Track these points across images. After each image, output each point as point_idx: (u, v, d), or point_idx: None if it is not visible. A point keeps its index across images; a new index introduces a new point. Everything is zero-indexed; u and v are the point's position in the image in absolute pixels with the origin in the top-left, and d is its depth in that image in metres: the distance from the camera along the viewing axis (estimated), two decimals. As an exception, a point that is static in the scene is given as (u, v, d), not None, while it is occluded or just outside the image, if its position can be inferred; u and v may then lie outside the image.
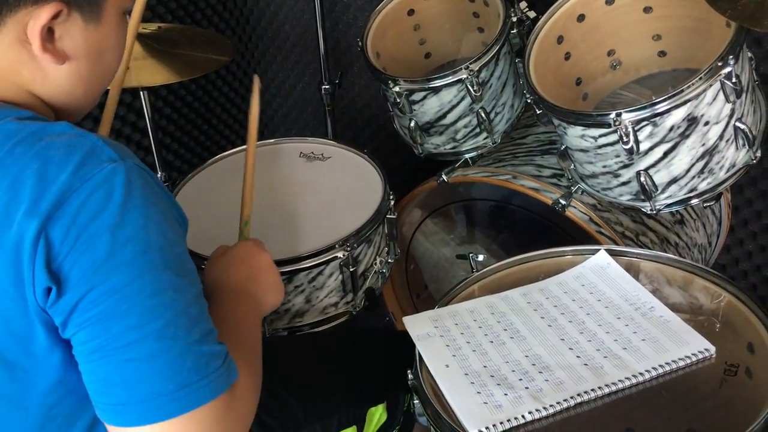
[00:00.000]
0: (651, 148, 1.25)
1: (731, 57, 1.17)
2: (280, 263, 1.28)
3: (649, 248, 1.50)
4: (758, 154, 1.29)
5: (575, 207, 1.46)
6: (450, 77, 1.49)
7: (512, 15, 1.53)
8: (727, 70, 1.17)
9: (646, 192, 1.30)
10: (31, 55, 0.84)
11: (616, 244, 1.43)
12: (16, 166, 0.77)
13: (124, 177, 0.78)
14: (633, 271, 1.20)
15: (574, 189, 1.45)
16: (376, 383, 1.24)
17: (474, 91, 1.49)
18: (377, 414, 1.21)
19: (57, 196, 0.75)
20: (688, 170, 1.27)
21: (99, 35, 0.87)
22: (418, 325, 1.12)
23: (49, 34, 0.83)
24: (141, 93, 1.71)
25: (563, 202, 1.45)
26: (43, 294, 0.76)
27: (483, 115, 1.55)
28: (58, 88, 0.87)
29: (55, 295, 0.76)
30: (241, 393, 0.85)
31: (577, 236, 1.49)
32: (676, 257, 1.19)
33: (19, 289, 0.76)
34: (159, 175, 1.86)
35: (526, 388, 0.98)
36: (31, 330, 0.78)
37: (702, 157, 1.26)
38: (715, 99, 1.21)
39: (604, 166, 1.32)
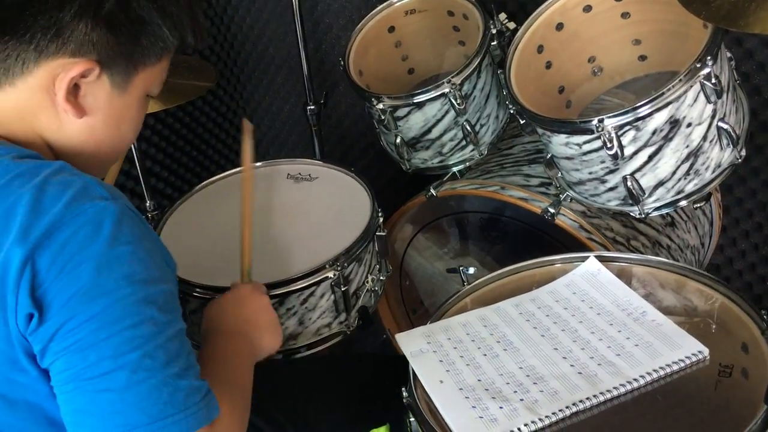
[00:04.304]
0: (635, 153, 1.25)
1: (709, 58, 1.18)
2: (270, 286, 1.27)
3: (641, 252, 1.50)
4: (743, 153, 1.30)
5: (564, 215, 1.46)
6: (433, 92, 1.49)
7: (492, 27, 1.53)
8: (706, 71, 1.18)
9: (634, 196, 1.30)
10: (52, 104, 0.87)
11: (607, 249, 1.42)
12: (12, 196, 0.79)
13: (114, 214, 0.79)
14: (625, 276, 1.20)
15: (562, 197, 1.45)
16: (376, 405, 1.23)
17: (457, 104, 1.50)
18: None
19: (47, 226, 0.77)
20: (674, 172, 1.27)
21: (122, 103, 0.91)
22: (411, 342, 1.11)
23: (75, 89, 0.87)
24: (126, 123, 1.71)
25: (552, 210, 1.45)
26: (24, 320, 0.76)
27: (468, 127, 1.55)
28: (69, 140, 0.91)
29: (37, 321, 0.76)
30: (223, 428, 0.84)
31: (568, 244, 1.49)
32: (666, 260, 1.19)
33: (1, 313, 0.77)
34: (147, 204, 1.86)
35: (521, 400, 0.97)
36: (14, 357, 0.79)
37: (687, 158, 1.26)
38: (696, 100, 1.21)
39: (591, 173, 1.32)
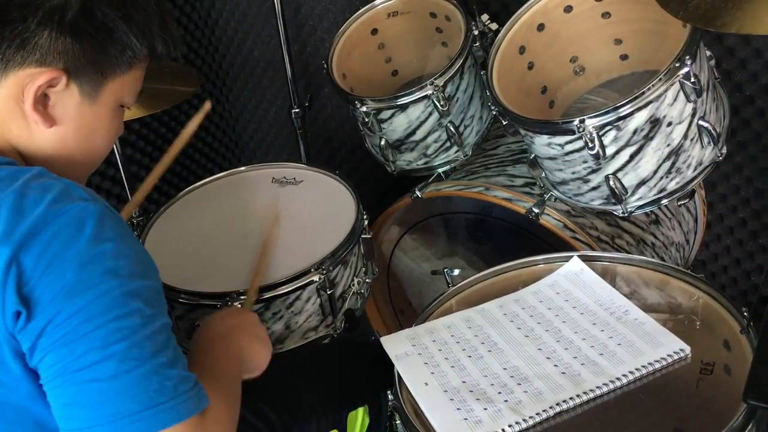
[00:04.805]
0: (617, 152, 1.26)
1: (688, 57, 1.18)
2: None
3: (626, 250, 1.50)
4: (724, 150, 1.31)
5: (549, 214, 1.47)
6: (416, 94, 1.50)
7: (474, 28, 1.53)
8: (685, 70, 1.19)
9: (617, 195, 1.30)
10: (23, 114, 0.88)
11: (592, 248, 1.43)
12: None
13: (96, 213, 0.80)
14: (609, 275, 1.20)
15: (546, 197, 1.46)
16: (354, 388, 1.23)
17: (441, 105, 1.50)
18: (359, 417, 1.21)
19: (31, 227, 0.78)
20: (656, 171, 1.28)
21: (92, 113, 0.91)
22: (395, 345, 1.11)
23: (44, 98, 0.88)
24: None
25: (536, 210, 1.45)
26: (12, 318, 0.77)
27: (452, 129, 1.55)
28: (40, 150, 0.91)
29: (25, 319, 0.77)
30: (214, 419, 0.85)
31: (554, 243, 1.49)
32: (648, 259, 1.20)
33: None
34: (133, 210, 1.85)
35: (505, 401, 0.98)
36: (1, 355, 0.79)
37: (668, 157, 1.27)
38: (675, 99, 1.22)
39: (573, 173, 1.33)
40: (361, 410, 1.21)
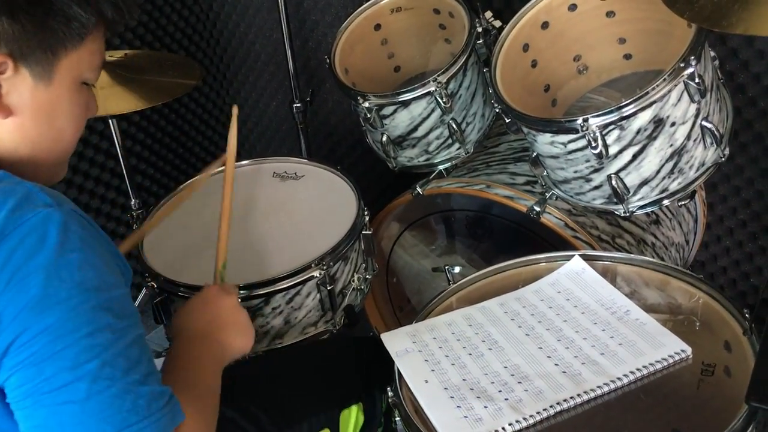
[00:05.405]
0: (620, 152, 1.25)
1: (693, 58, 1.18)
2: (256, 286, 1.27)
3: (626, 250, 1.50)
4: (726, 152, 1.30)
5: (550, 213, 1.47)
6: (419, 90, 1.49)
7: (477, 25, 1.53)
8: (690, 70, 1.18)
9: (618, 195, 1.30)
10: None
11: (593, 248, 1.43)
12: None
13: (59, 221, 0.77)
14: (610, 274, 1.20)
15: (548, 195, 1.45)
16: (347, 386, 1.22)
17: (443, 102, 1.49)
18: (352, 416, 1.19)
19: None
20: (658, 171, 1.28)
21: (49, 96, 0.87)
22: (396, 342, 1.11)
23: None
24: (110, 121, 1.70)
25: (537, 208, 1.45)
26: None
27: (454, 126, 1.55)
28: (1, 145, 0.86)
29: None
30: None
31: (554, 242, 1.49)
32: (649, 259, 1.20)
33: None
34: (133, 202, 1.85)
35: (506, 399, 0.98)
36: None
37: (671, 157, 1.27)
38: (679, 100, 1.22)
39: (576, 171, 1.33)
40: (354, 408, 1.19)
